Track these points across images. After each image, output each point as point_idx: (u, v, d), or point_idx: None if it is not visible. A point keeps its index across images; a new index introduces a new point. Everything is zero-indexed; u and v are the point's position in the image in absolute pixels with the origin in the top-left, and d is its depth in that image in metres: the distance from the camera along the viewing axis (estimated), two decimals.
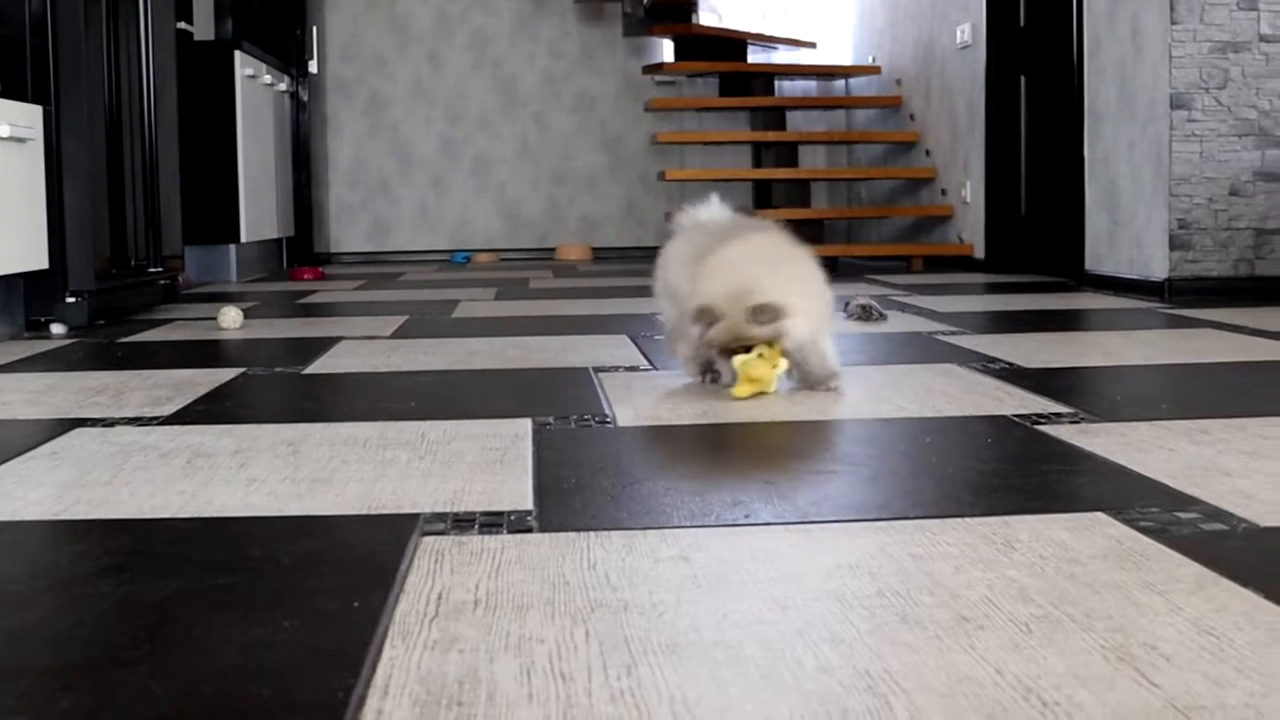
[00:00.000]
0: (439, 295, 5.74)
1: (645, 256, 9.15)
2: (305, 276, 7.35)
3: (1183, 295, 4.95)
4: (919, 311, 4.57)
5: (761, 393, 2.69)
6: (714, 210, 2.97)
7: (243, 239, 6.94)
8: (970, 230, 7.09)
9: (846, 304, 4.36)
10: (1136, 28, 5.19)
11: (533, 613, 1.31)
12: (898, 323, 4.17)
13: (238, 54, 6.94)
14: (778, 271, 2.67)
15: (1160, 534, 1.57)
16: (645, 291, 5.60)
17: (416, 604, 1.34)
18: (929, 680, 1.11)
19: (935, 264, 7.40)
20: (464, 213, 9.56)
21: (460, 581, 1.41)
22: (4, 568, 1.52)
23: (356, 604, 1.34)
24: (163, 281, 5.30)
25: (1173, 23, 4.93)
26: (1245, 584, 1.37)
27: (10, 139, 3.93)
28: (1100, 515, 1.66)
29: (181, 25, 6.94)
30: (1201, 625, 1.24)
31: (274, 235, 7.75)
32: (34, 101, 4.23)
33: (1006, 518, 1.66)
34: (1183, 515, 1.66)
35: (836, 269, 7.23)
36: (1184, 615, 1.27)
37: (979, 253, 6.96)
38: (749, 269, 2.66)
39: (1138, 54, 5.18)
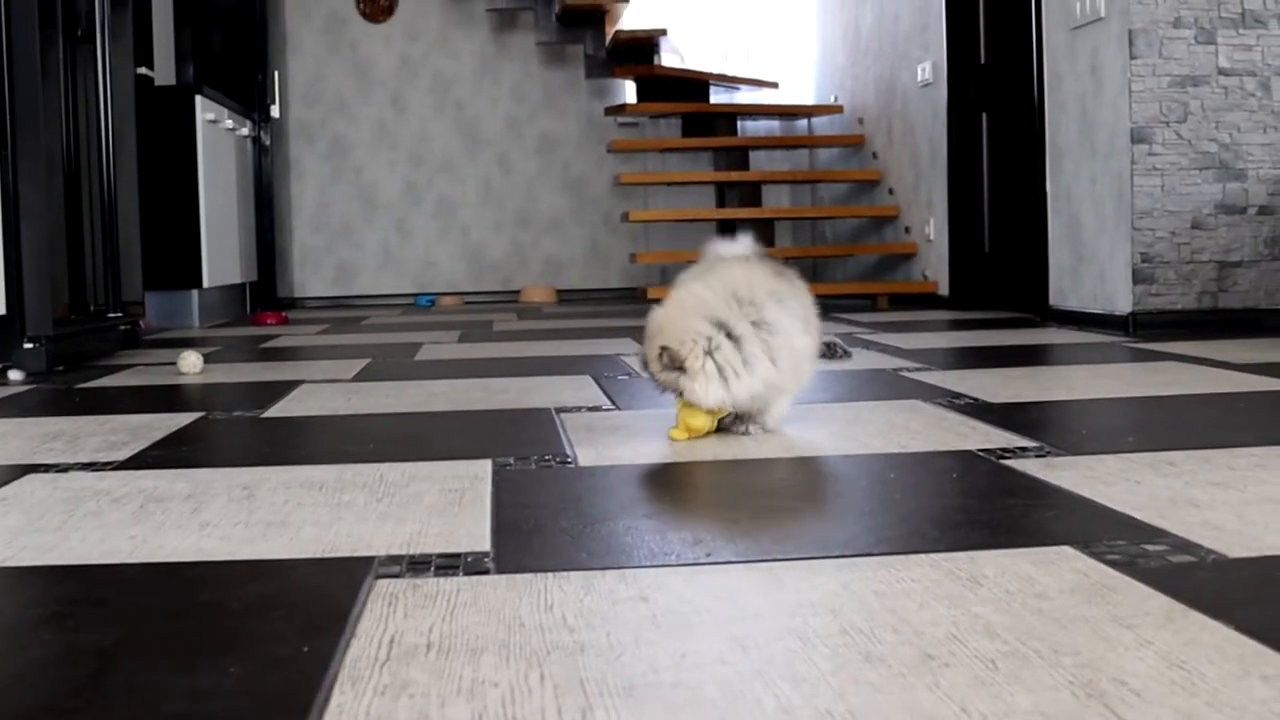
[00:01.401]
0: (402, 339, 5.70)
1: (610, 298, 9.13)
2: (269, 321, 7.30)
3: (1147, 329, 4.95)
4: (884, 349, 4.55)
5: (695, 435, 2.62)
6: (737, 247, 2.82)
7: (205, 284, 6.90)
8: (934, 267, 7.09)
9: None
10: (1096, 63, 5.20)
11: (487, 656, 1.27)
12: (862, 360, 4.16)
13: (199, 98, 6.91)
14: (719, 328, 2.51)
15: (1128, 567, 1.54)
16: (609, 333, 5.58)
17: (368, 648, 1.30)
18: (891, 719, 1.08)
19: (900, 301, 7.40)
20: (428, 256, 9.53)
21: (414, 625, 1.38)
22: None
23: (306, 649, 1.30)
24: (123, 327, 5.25)
25: (1132, 57, 4.95)
26: (1215, 616, 1.34)
27: None
28: (1067, 549, 1.64)
29: (142, 70, 6.90)
30: (1172, 659, 1.21)
31: (237, 280, 7.70)
32: None
33: (972, 553, 1.63)
34: (1150, 548, 1.64)
35: None
36: (1153, 649, 1.24)
37: (943, 290, 6.96)
38: (696, 315, 2.54)
39: (1098, 89, 5.20)
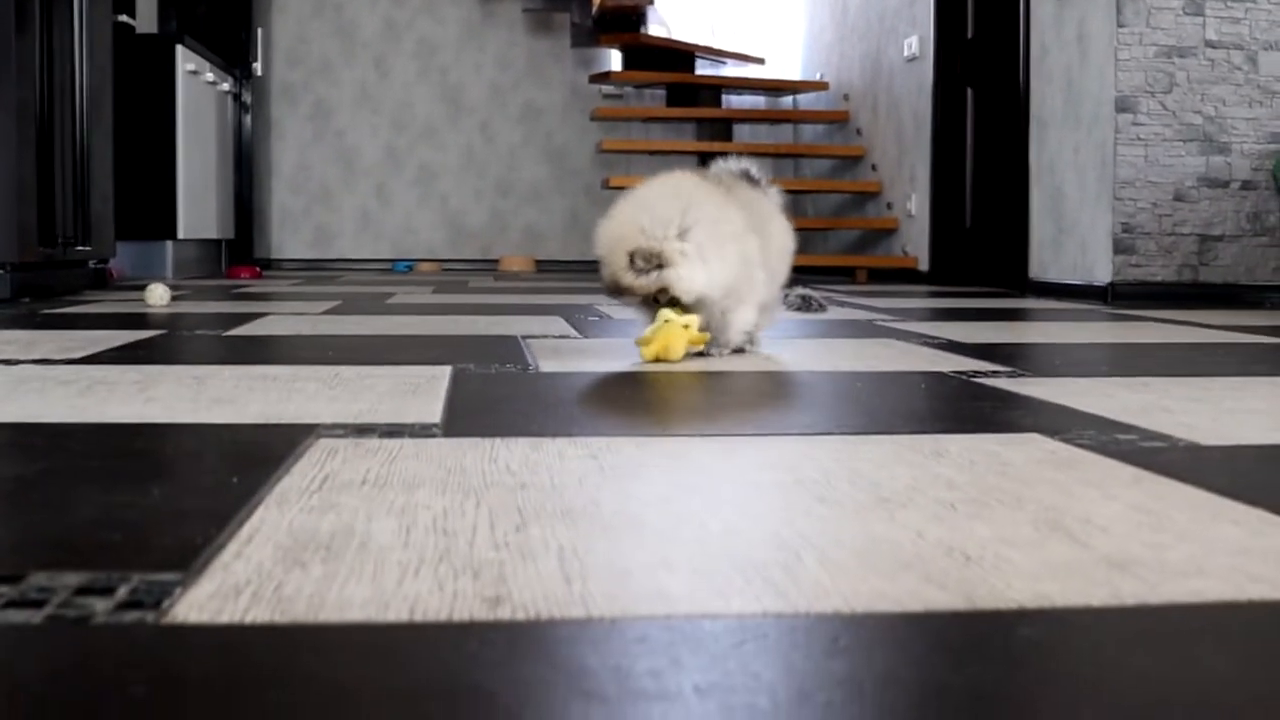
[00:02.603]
0: (375, 290, 5.64)
1: (589, 269, 9.05)
2: (243, 275, 7.22)
3: (1126, 300, 4.91)
4: (859, 307, 4.50)
5: (664, 359, 2.44)
6: (732, 165, 2.74)
7: (180, 235, 6.81)
8: (915, 243, 7.04)
9: (786, 295, 4.27)
10: (1083, 32, 5.15)
11: (423, 490, 1.21)
12: (838, 314, 4.10)
13: (180, 49, 6.82)
14: (682, 214, 2.38)
15: (1098, 449, 1.49)
16: (584, 291, 5.52)
17: (299, 482, 1.24)
18: (843, 540, 1.02)
19: (879, 276, 7.35)
20: (407, 222, 9.44)
21: (350, 468, 1.32)
22: None
23: (235, 480, 1.24)
24: (92, 264, 5.17)
25: (1119, 25, 4.90)
26: (1186, 481, 1.29)
27: None
28: (1035, 435, 1.58)
29: (123, 18, 6.82)
30: (1140, 508, 1.16)
31: (213, 235, 7.61)
32: None
33: (936, 435, 1.58)
34: (1121, 436, 1.58)
35: None
36: (1121, 501, 1.19)
37: (923, 265, 6.91)
38: (651, 209, 2.40)
39: (1083, 58, 5.15)
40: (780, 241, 2.71)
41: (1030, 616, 0.83)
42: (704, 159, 8.24)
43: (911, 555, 0.97)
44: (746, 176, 2.75)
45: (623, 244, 2.40)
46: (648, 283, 2.39)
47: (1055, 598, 0.87)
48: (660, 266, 2.37)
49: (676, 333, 2.45)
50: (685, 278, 2.37)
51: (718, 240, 2.42)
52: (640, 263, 2.37)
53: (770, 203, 2.73)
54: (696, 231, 2.39)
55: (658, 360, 2.47)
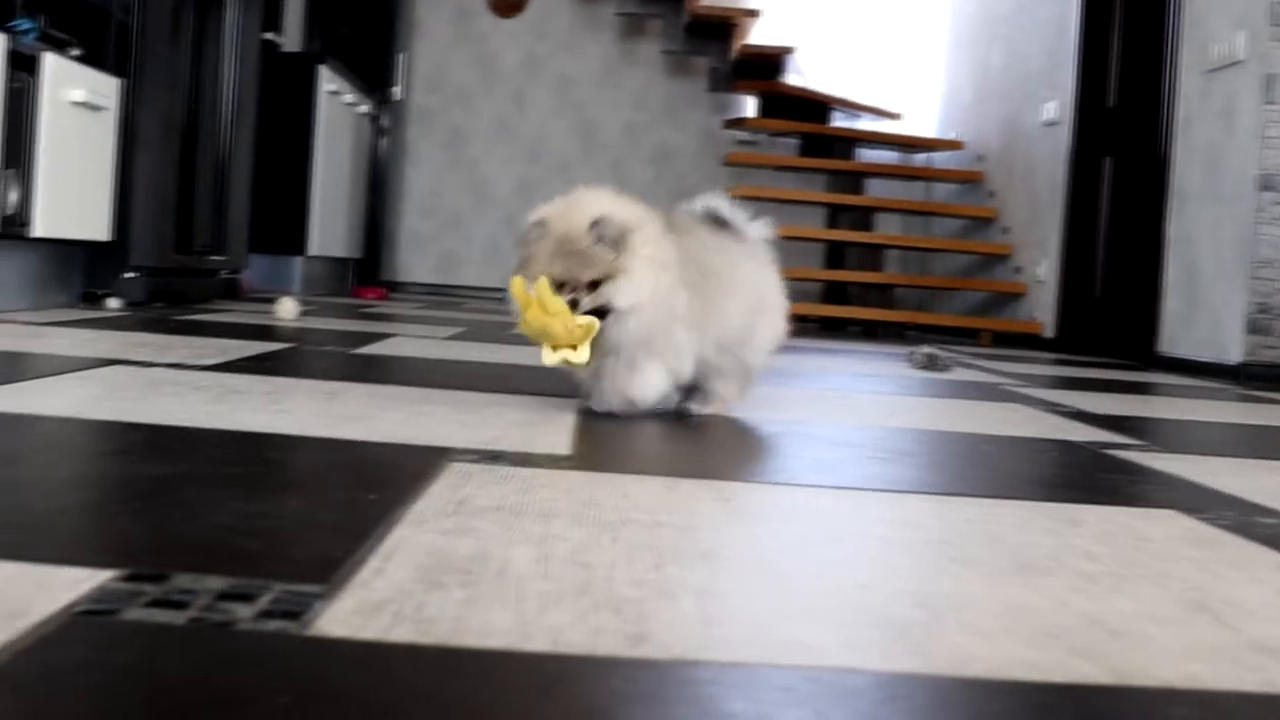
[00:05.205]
0: (501, 319, 5.67)
1: None
2: (368, 296, 7.30)
3: (1257, 380, 4.81)
4: (985, 370, 4.45)
5: (565, 359, 2.03)
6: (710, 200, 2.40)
7: (309, 252, 6.90)
8: (1042, 309, 6.97)
9: (911, 352, 4.25)
10: (1230, 106, 5.08)
11: (559, 521, 1.21)
12: (962, 375, 4.06)
13: (322, 68, 6.92)
14: (641, 215, 2.04)
15: (1238, 530, 1.45)
16: None
17: (435, 503, 1.25)
18: (983, 604, 1.01)
19: (1003, 340, 7.27)
20: None
21: (486, 494, 1.32)
22: (9, 440, 1.44)
23: (372, 497, 1.25)
24: (224, 274, 5.26)
25: (1267, 102, 4.82)
26: None
27: (85, 105, 3.89)
28: (1172, 512, 1.55)
29: (270, 36, 6.94)
30: None
31: (341, 254, 7.70)
32: (114, 74, 4.20)
33: (1069, 505, 1.55)
34: (1262, 520, 1.55)
35: (904, 336, 7.12)
36: (1268, 585, 1.16)
37: (1049, 332, 6.83)
38: (613, 200, 2.05)
39: (1229, 133, 5.07)
40: (751, 297, 2.30)
41: (1181, 697, 0.81)
42: (835, 211, 8.23)
43: (1055, 625, 0.95)
44: (714, 219, 2.38)
45: (585, 210, 2.00)
46: (606, 261, 1.97)
47: (1205, 679, 0.85)
48: (619, 248, 1.98)
49: (559, 321, 2.00)
50: (640, 274, 1.98)
51: (659, 263, 2.03)
52: (606, 235, 1.97)
53: (748, 250, 2.38)
54: (662, 242, 2.05)
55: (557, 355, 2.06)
